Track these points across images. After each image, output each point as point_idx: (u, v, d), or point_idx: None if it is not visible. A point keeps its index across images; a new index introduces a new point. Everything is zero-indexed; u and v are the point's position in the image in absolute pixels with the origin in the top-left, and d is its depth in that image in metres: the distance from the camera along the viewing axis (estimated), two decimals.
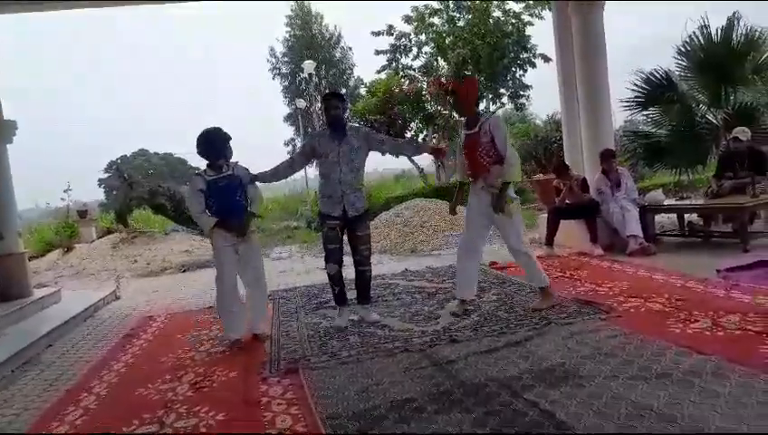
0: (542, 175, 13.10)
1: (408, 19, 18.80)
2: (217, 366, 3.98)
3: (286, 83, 31.01)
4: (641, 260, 6.14)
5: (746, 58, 8.30)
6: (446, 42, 18.61)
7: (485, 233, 4.93)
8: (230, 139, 4.45)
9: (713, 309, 3.99)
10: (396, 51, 19.54)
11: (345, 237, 4.71)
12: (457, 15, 18.72)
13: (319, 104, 26.37)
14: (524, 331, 3.99)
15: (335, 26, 31.97)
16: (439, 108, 19.48)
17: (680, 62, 8.74)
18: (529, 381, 3.06)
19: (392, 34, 19.18)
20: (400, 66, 19.85)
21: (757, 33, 8.12)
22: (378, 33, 19.20)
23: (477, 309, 4.78)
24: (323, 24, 31.53)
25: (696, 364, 3.02)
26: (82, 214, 13.65)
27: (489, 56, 17.79)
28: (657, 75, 8.70)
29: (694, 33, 8.41)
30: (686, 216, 7.45)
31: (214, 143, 4.38)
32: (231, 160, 4.47)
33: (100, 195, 35.24)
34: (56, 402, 3.61)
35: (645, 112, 9.19)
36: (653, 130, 9.26)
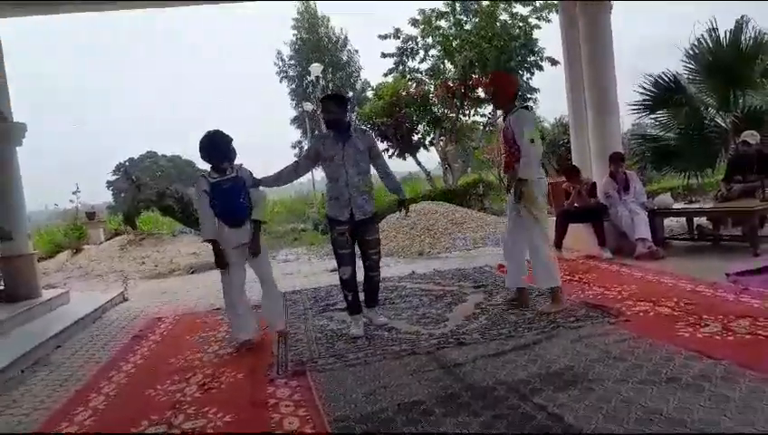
0: (549, 178, 13.07)
1: (414, 22, 18.81)
2: (225, 367, 3.99)
3: (293, 86, 31.12)
4: (650, 264, 6.11)
5: (755, 61, 8.28)
6: (453, 45, 18.61)
7: (521, 223, 4.78)
8: (232, 141, 4.43)
9: (722, 313, 3.96)
10: (403, 54, 19.55)
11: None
12: (464, 18, 18.71)
13: None
14: (533, 334, 3.98)
15: (341, 29, 32.08)
16: (446, 111, 19.49)
17: (688, 65, 8.72)
18: (537, 384, 3.05)
19: (399, 37, 19.19)
20: (407, 69, 19.86)
21: (766, 37, 8.08)
22: (384, 37, 19.21)
23: (485, 312, 4.77)
24: (330, 26, 31.65)
25: (705, 369, 3.01)
26: (91, 216, 13.75)
27: (496, 59, 17.76)
28: (666, 78, 8.67)
29: (702, 35, 8.40)
30: (695, 219, 7.42)
31: (217, 146, 4.37)
32: (235, 163, 4.46)
33: (108, 197, 35.47)
34: (65, 403, 3.63)
35: (653, 115, 9.17)
36: (661, 134, 9.23)
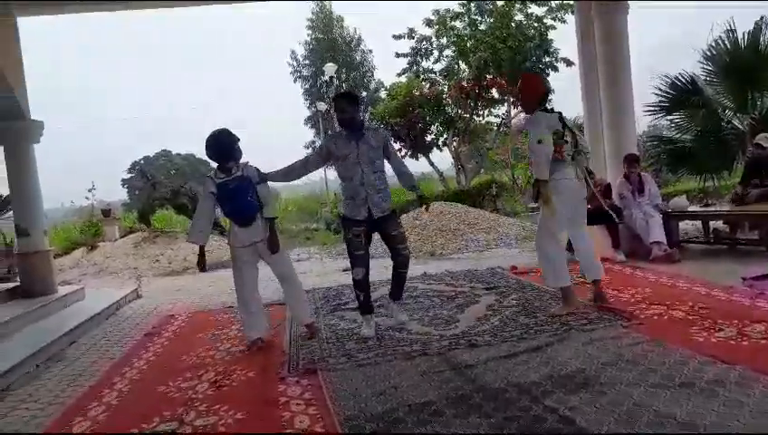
0: None
1: (429, 22, 18.81)
2: (237, 365, 4.02)
3: (307, 86, 31.20)
4: (664, 267, 6.05)
5: None
6: (468, 45, 18.58)
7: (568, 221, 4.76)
8: (238, 140, 4.42)
9: (738, 318, 3.91)
10: (417, 54, 19.56)
11: (376, 241, 4.65)
12: (479, 19, 18.68)
13: None
14: (544, 336, 3.96)
15: (355, 29, 32.11)
16: (460, 111, 19.45)
17: (706, 66, 8.62)
18: (549, 386, 3.03)
19: (413, 38, 19.21)
20: (421, 69, 19.87)
21: None
22: (399, 37, 19.24)
23: (497, 314, 4.75)
24: (344, 26, 31.70)
25: (720, 374, 2.97)
26: (106, 213, 13.87)
27: (511, 60, 17.71)
28: (683, 79, 8.59)
29: (720, 37, 8.30)
30: (711, 222, 7.34)
31: (222, 145, 4.36)
32: (241, 161, 4.45)
33: (123, 195, 35.73)
34: (79, 398, 3.67)
35: (669, 117, 9.09)
36: (677, 136, 9.14)
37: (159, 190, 14.23)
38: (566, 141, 4.49)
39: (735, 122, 8.64)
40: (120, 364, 4.35)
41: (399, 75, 20.33)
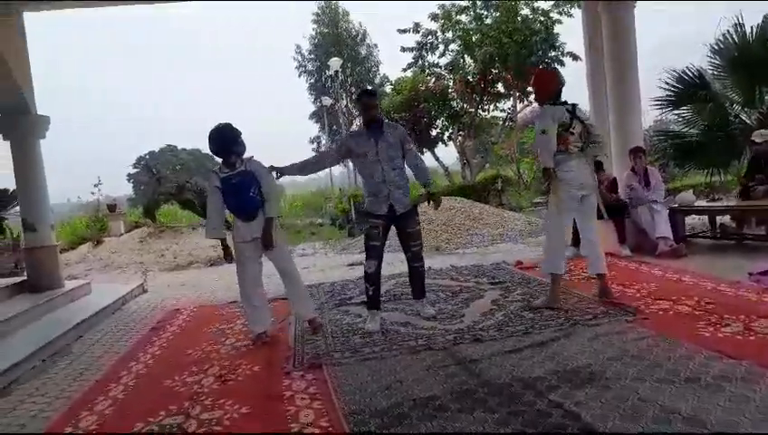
0: None
1: (434, 17, 18.73)
2: (242, 360, 4.03)
3: (312, 81, 31.14)
4: (670, 262, 6.03)
5: None
6: (473, 39, 18.49)
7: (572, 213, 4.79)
8: (241, 134, 4.41)
9: (744, 313, 3.90)
10: (422, 48, 19.47)
11: (392, 236, 4.72)
12: (485, 13, 18.58)
13: (344, 102, 26.46)
14: (550, 331, 3.95)
15: (360, 24, 32.00)
16: (465, 106, 19.39)
17: (713, 60, 8.55)
18: (554, 381, 3.03)
19: (418, 32, 19.12)
20: (426, 64, 19.78)
21: None
22: (404, 31, 19.15)
23: (502, 309, 4.75)
24: (349, 21, 31.59)
25: (726, 369, 2.96)
26: (112, 208, 13.94)
27: (516, 54, 17.62)
28: (690, 74, 8.52)
29: (728, 31, 8.22)
30: (717, 218, 7.30)
31: (225, 139, 4.36)
32: (245, 156, 4.44)
33: (128, 190, 35.85)
34: (86, 392, 3.69)
35: (676, 112, 9.02)
36: (684, 130, 9.08)
37: (164, 185, 14.24)
38: (572, 133, 4.48)
39: (743, 117, 8.57)
40: (126, 359, 4.37)
41: (405, 70, 20.28)
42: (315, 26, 30.23)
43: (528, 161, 19.16)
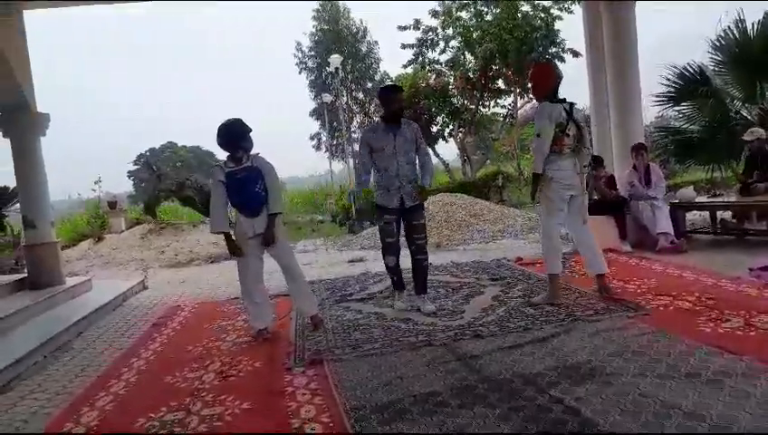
0: None
1: (435, 13, 18.70)
2: (243, 356, 4.03)
3: (312, 78, 31.09)
4: (671, 258, 6.03)
5: None
6: (474, 36, 18.47)
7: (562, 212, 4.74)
8: (250, 130, 4.42)
9: (745, 309, 3.90)
10: (422, 45, 19.45)
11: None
12: (485, 9, 18.56)
13: (344, 99, 26.42)
14: (550, 327, 3.96)
15: (361, 20, 31.92)
16: (466, 102, 19.37)
17: (714, 56, 8.55)
18: (554, 377, 3.03)
19: (419, 29, 19.09)
20: (427, 60, 19.76)
21: None
22: (404, 28, 19.13)
23: (502, 305, 4.75)
24: (350, 17, 31.52)
25: (726, 364, 2.96)
26: (112, 205, 13.93)
27: (517, 51, 17.61)
28: (691, 70, 8.51)
29: (729, 27, 8.22)
30: (718, 213, 7.30)
31: (234, 135, 4.37)
32: (251, 152, 4.45)
33: (129, 187, 35.83)
34: (87, 388, 3.69)
35: (677, 108, 9.02)
36: (685, 126, 9.07)
37: (165, 182, 14.29)
38: (567, 135, 4.47)
39: (744, 113, 8.56)
40: (127, 355, 4.38)
41: (405, 66, 20.27)
42: (315, 23, 30.17)
43: (529, 158, 19.14)
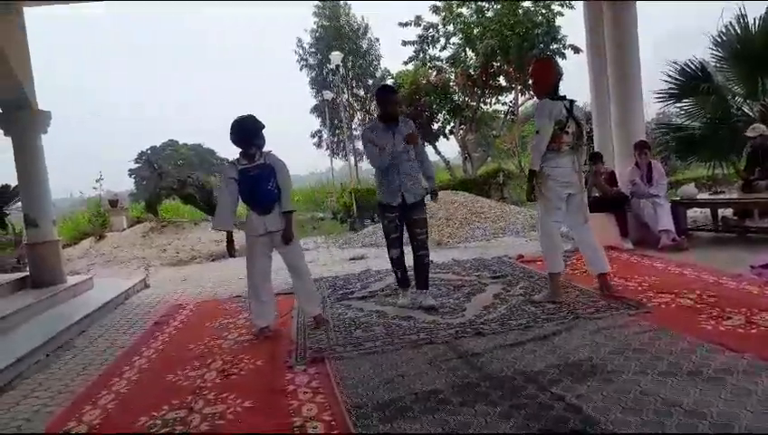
0: None
1: (435, 9, 18.65)
2: (245, 354, 4.04)
3: (313, 74, 31.06)
4: (672, 255, 6.03)
5: None
6: (475, 32, 18.42)
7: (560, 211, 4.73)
8: (263, 127, 4.43)
9: (746, 306, 3.90)
10: (423, 42, 19.41)
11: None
12: (486, 6, 18.50)
13: (345, 96, 26.39)
14: (552, 325, 3.96)
15: (362, 17, 31.87)
16: (467, 99, 19.34)
17: (716, 52, 8.53)
18: (555, 375, 3.04)
19: (420, 25, 19.05)
20: (428, 57, 19.72)
21: None
22: (405, 24, 19.09)
23: (504, 302, 4.75)
24: (351, 14, 31.46)
25: (727, 362, 2.96)
26: (113, 203, 13.94)
27: (518, 47, 17.55)
28: (692, 66, 8.49)
29: (730, 22, 8.19)
30: (719, 211, 7.29)
31: (247, 131, 4.37)
32: (264, 149, 4.46)
33: (130, 185, 35.88)
34: (89, 386, 3.70)
35: (679, 104, 9.00)
36: (687, 123, 9.05)
37: (166, 180, 14.23)
38: (567, 132, 4.46)
39: (746, 109, 8.55)
40: (129, 353, 4.39)
41: (406, 63, 20.22)
42: (316, 20, 30.14)
43: (529, 155, 19.12)
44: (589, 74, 8.43)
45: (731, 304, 3.97)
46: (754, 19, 8.00)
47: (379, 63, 31.06)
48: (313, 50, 30.43)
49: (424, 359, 3.53)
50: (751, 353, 3.03)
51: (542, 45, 17.99)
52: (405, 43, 19.59)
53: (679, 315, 3.92)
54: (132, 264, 10.39)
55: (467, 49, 19.04)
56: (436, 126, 20.38)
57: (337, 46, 25.62)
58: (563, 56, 18.12)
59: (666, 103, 9.09)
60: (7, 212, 9.64)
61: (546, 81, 4.60)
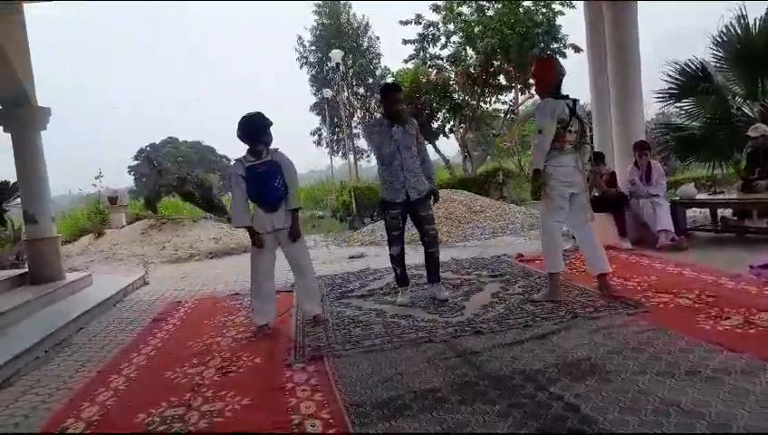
0: None
1: (436, 8, 18.63)
2: (243, 352, 4.04)
3: (313, 72, 31.04)
4: (671, 255, 6.03)
5: None
6: (475, 31, 18.41)
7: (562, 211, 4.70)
8: (271, 124, 4.45)
9: (745, 306, 3.90)
10: (424, 40, 19.40)
11: (408, 222, 4.97)
12: (487, 5, 18.49)
13: (345, 93, 26.38)
14: (550, 324, 3.96)
15: (363, 15, 31.84)
16: (467, 98, 19.33)
17: (716, 52, 8.52)
18: (554, 374, 3.04)
19: (420, 23, 19.03)
20: (428, 56, 19.71)
21: None
22: (406, 23, 19.08)
23: (502, 301, 4.75)
24: (351, 12, 31.44)
25: (726, 362, 2.96)
26: (113, 200, 13.91)
27: (519, 46, 17.55)
28: (692, 66, 8.49)
29: (731, 22, 8.19)
30: (719, 211, 7.29)
31: (255, 128, 4.38)
32: (271, 147, 4.47)
33: (129, 182, 35.85)
34: (87, 383, 3.70)
35: (678, 104, 9.00)
36: (686, 123, 9.05)
37: (165, 177, 14.24)
38: (570, 131, 4.45)
39: (745, 109, 8.55)
40: (128, 350, 4.38)
41: (406, 62, 20.22)
42: (317, 17, 30.11)
43: (530, 154, 19.13)
44: (589, 74, 8.41)
45: (730, 304, 3.97)
46: (755, 20, 8.01)
47: (379, 62, 31.06)
48: (314, 48, 30.42)
49: (422, 357, 3.53)
50: (749, 353, 3.03)
51: (542, 44, 18.00)
52: (405, 42, 19.58)
53: (678, 315, 3.92)
54: (131, 261, 10.38)
55: (468, 48, 19.03)
56: (435, 124, 20.38)
57: (337, 44, 25.60)
58: (564, 55, 18.13)
59: (666, 103, 9.09)
60: (6, 208, 9.63)
61: (548, 80, 4.59)
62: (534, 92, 5.29)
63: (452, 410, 2.72)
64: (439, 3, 18.52)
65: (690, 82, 8.52)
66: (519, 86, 19.30)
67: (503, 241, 8.82)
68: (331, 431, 2.66)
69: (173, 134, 47.01)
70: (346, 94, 27.23)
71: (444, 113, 19.87)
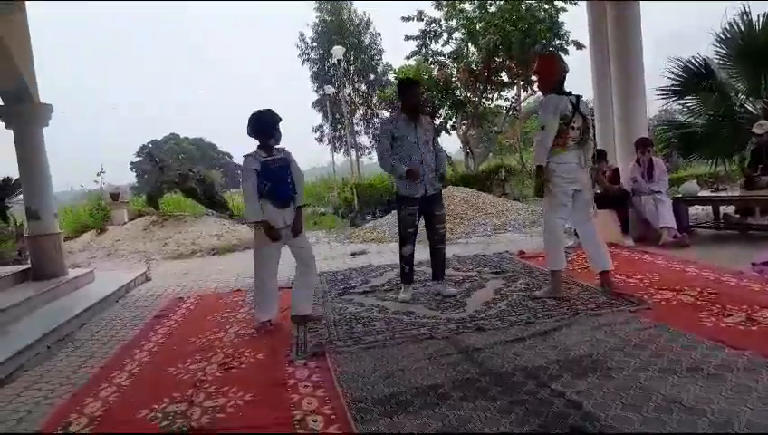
0: None
1: (438, 4, 18.58)
2: (246, 348, 4.04)
3: (315, 69, 31.02)
4: (673, 252, 6.02)
5: None
6: (477, 27, 18.35)
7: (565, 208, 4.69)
8: (280, 120, 4.48)
9: (747, 303, 3.90)
10: (426, 36, 19.33)
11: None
12: (489, 1, 18.43)
13: (347, 90, 26.35)
14: (552, 321, 3.96)
15: (364, 12, 31.81)
16: (469, 95, 19.29)
17: (719, 49, 8.49)
18: (556, 371, 3.04)
19: (422, 20, 18.98)
20: (430, 52, 19.66)
21: None
22: (407, 19, 19.02)
23: (504, 298, 4.75)
24: (353, 9, 31.40)
25: (728, 359, 2.96)
26: (115, 197, 13.93)
27: (521, 43, 17.49)
28: (696, 63, 8.47)
29: (734, 19, 8.16)
30: (721, 208, 7.28)
31: (266, 124, 4.42)
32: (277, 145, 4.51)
33: (131, 178, 35.89)
34: (90, 379, 3.71)
35: (681, 101, 8.98)
36: (689, 120, 9.03)
37: (167, 174, 14.24)
38: (573, 128, 4.44)
39: (748, 106, 8.52)
40: (130, 346, 4.39)
41: (408, 58, 20.14)
42: (318, 14, 30.07)
43: (532, 151, 19.09)
44: (591, 71, 8.40)
45: (732, 302, 3.97)
46: (758, 16, 7.98)
47: (380, 58, 31.03)
48: (315, 44, 30.38)
49: (424, 354, 3.53)
50: (751, 350, 3.03)
51: (544, 41, 17.92)
52: (407, 38, 19.52)
53: (680, 312, 3.92)
54: (133, 257, 10.40)
55: (470, 44, 18.97)
56: (438, 121, 20.35)
57: (339, 41, 25.55)
58: (566, 52, 18.05)
59: (668, 100, 9.06)
60: (9, 205, 9.64)
61: (551, 76, 4.58)
62: (536, 89, 5.27)
63: (454, 406, 2.72)
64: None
65: (693, 78, 8.50)
66: (521, 83, 19.25)
67: (505, 238, 8.81)
68: (332, 427, 2.66)
69: (176, 132, 47.00)
70: (348, 91, 27.19)
71: (446, 110, 19.82)
